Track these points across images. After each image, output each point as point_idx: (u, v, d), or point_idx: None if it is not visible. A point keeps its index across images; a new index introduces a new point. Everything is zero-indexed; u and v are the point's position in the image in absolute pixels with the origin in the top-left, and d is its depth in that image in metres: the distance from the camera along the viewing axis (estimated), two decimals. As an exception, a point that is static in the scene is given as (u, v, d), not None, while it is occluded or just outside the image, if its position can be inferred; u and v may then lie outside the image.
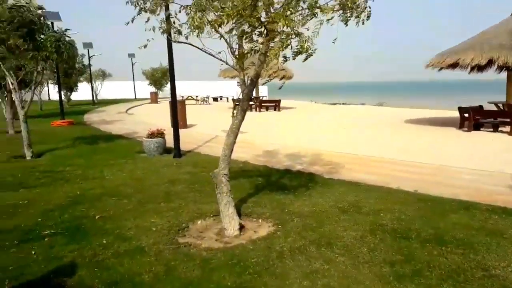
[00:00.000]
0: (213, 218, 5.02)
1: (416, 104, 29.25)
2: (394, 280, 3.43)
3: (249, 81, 4.54)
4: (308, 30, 3.83)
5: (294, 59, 3.98)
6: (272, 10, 3.88)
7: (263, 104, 24.23)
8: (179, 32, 4.23)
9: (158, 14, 4.27)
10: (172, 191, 6.29)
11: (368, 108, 26.72)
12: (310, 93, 60.79)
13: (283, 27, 3.76)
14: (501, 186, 6.28)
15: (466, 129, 13.19)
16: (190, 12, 4.02)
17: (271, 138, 12.26)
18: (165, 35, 4.33)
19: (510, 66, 12.87)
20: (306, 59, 3.91)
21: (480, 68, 14.72)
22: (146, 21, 4.20)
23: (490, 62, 13.18)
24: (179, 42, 4.33)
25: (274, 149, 9.89)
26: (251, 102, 21.86)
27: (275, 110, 23.91)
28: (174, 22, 4.24)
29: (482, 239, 4.17)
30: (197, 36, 4.03)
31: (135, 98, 42.64)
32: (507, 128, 12.36)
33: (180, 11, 4.22)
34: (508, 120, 12.42)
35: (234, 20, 3.85)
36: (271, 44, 4.02)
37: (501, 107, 13.95)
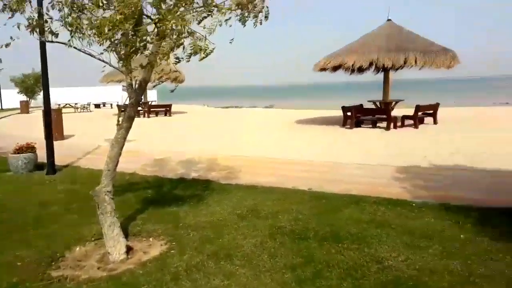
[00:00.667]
0: (95, 242, 4.44)
1: (303, 105, 31.22)
2: (296, 285, 3.38)
3: (137, 85, 4.13)
4: (204, 29, 3.59)
5: (188, 61, 3.71)
6: (163, 6, 3.56)
7: (152, 109, 23.27)
8: (52, 33, 3.71)
9: (22, 12, 3.70)
10: (43, 215, 5.45)
11: (259, 111, 27.58)
12: (203, 97, 60.74)
13: (174, 26, 3.47)
14: (385, 179, 6.86)
15: (349, 126, 14.38)
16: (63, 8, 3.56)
17: (162, 145, 11.71)
18: (35, 34, 3.76)
19: (387, 67, 14.43)
20: (202, 58, 3.66)
21: (360, 69, 16.21)
22: (10, 17, 3.61)
23: (370, 64, 14.61)
24: (51, 41, 3.78)
25: (165, 157, 9.42)
26: (139, 108, 20.79)
27: (165, 115, 23.16)
28: (46, 21, 3.71)
29: (373, 232, 4.42)
30: (71, 36, 3.57)
31: (1, 108, 37.43)
32: (384, 124, 13.81)
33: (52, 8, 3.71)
34: (384, 116, 13.89)
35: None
36: (162, 44, 3.68)
37: (379, 105, 15.54)
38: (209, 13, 3.63)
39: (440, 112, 15.12)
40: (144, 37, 3.61)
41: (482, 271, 3.41)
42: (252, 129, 15.50)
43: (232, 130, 15.37)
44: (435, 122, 14.60)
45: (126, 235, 4.38)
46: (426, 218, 4.75)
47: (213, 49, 3.61)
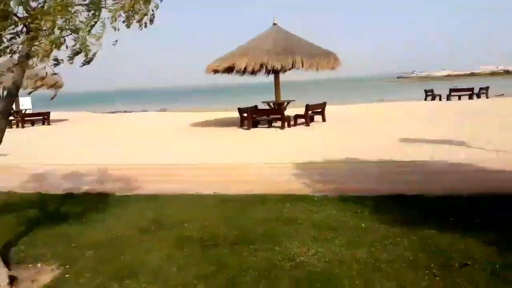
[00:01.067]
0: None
1: (198, 108, 31.05)
2: (211, 296, 3.24)
3: (5, 93, 3.55)
4: (85, 25, 3.21)
5: (71, 62, 3.29)
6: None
7: (27, 118, 20.78)
8: None
9: None
10: None
11: (151, 115, 26.60)
12: (86, 102, 56.51)
13: (48, 24, 3.04)
14: (286, 175, 7.09)
15: (246, 127, 14.67)
16: None
17: (42, 157, 10.46)
18: None
19: (276, 69, 15.02)
20: (85, 63, 3.29)
21: (252, 72, 16.63)
22: None
23: (261, 66, 15.05)
24: None
25: (47, 171, 8.41)
26: (11, 118, 18.34)
27: (43, 124, 20.89)
28: None
29: (282, 229, 4.49)
30: None
31: None
32: (279, 124, 14.40)
33: None
34: (279, 116, 14.48)
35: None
36: (35, 43, 3.19)
37: (272, 106, 16.14)
38: (94, 15, 3.29)
39: (327, 110, 16.30)
40: (9, 36, 3.14)
41: (385, 257, 3.68)
42: (145, 135, 14.80)
43: (122, 137, 14.49)
44: (323, 119, 15.69)
45: (7, 264, 3.75)
46: (328, 211, 5.00)
47: (95, 52, 3.29)
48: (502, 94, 26.99)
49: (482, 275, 3.25)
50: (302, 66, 14.76)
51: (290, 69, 15.68)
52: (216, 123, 17.58)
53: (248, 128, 14.48)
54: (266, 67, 15.48)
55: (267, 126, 14.97)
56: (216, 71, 15.67)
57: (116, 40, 3.56)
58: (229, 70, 15.73)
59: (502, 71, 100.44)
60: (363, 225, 4.47)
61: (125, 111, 31.55)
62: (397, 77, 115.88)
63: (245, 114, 15.07)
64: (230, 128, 15.31)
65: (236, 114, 16.12)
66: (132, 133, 15.56)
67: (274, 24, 16.52)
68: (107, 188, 6.82)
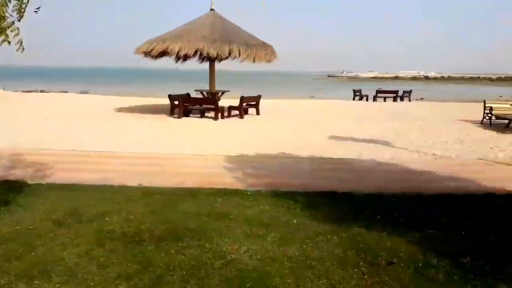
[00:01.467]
0: None
1: (125, 92, 29.62)
2: (134, 297, 3.04)
3: None
4: None
5: None
6: None
7: None
8: None
9: None
10: None
11: (71, 96, 24.87)
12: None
13: None
14: (218, 168, 6.97)
15: (177, 116, 14.26)
16: None
17: None
18: None
19: (212, 57, 14.73)
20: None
21: (186, 57, 16.18)
22: None
23: (195, 53, 14.67)
24: None
25: None
26: None
27: None
28: None
29: (213, 225, 4.37)
30: None
31: None
32: (212, 114, 14.19)
33: None
34: (212, 106, 14.26)
35: None
36: None
37: (206, 95, 15.87)
38: None
39: (262, 103, 16.41)
40: None
41: (316, 254, 3.73)
42: (61, 118, 13.76)
43: (39, 119, 13.33)
44: (257, 112, 15.77)
45: None
46: (261, 206, 4.98)
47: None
48: (422, 98, 29.29)
49: (407, 273, 3.42)
50: (239, 55, 14.65)
51: (226, 58, 15.48)
52: (144, 109, 16.89)
53: (179, 117, 14.09)
54: (201, 54, 15.15)
55: (199, 116, 14.68)
56: (146, 54, 15.00)
57: (39, 7, 3.23)
58: (161, 54, 15.14)
59: (422, 76, 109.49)
60: (295, 221, 4.51)
61: (42, 91, 29.15)
62: (328, 76, 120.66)
63: (176, 102, 14.63)
64: (159, 115, 14.78)
65: (166, 101, 15.60)
66: (47, 115, 14.37)
67: (212, 9, 16.20)
68: (17, 175, 6.19)
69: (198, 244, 3.93)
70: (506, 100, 16.79)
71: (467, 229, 4.31)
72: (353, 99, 25.76)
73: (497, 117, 13.15)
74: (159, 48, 14.45)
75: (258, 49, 15.11)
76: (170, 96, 15.06)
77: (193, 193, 5.46)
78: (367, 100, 25.24)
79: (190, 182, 5.98)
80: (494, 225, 4.48)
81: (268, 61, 15.49)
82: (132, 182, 5.98)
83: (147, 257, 3.65)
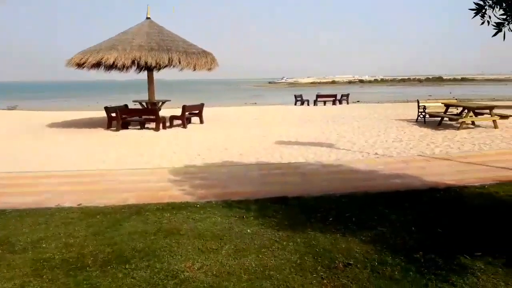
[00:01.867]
0: None
1: (58, 106, 28.06)
2: (80, 331, 2.76)
3: None
4: None
5: None
6: None
7: None
8: None
9: None
10: None
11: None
12: None
13: None
14: (163, 182, 6.69)
15: (115, 128, 13.66)
16: None
17: None
18: None
19: (150, 66, 14.32)
20: None
21: (123, 68, 15.60)
22: None
23: (133, 62, 14.19)
24: None
25: None
26: None
27: None
28: None
29: (162, 243, 4.14)
30: None
31: None
32: (153, 125, 13.75)
33: None
34: (153, 117, 13.82)
35: None
36: None
37: (145, 105, 15.36)
38: None
39: (205, 111, 16.20)
40: None
41: (273, 263, 3.64)
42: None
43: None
44: (201, 121, 15.53)
45: None
46: (212, 218, 4.81)
47: None
48: (359, 101, 30.67)
49: (364, 274, 3.43)
50: (179, 64, 14.39)
51: (165, 66, 15.13)
52: (79, 123, 16.02)
53: (117, 130, 13.51)
54: (138, 63, 14.69)
55: (139, 127, 14.17)
56: (80, 66, 14.26)
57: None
58: (96, 65, 14.48)
59: (357, 80, 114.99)
60: (249, 230, 4.40)
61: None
62: (269, 82, 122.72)
63: (113, 114, 14.02)
64: (95, 129, 14.09)
65: (103, 114, 14.91)
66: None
67: (148, 18, 15.81)
68: None
69: (147, 265, 3.69)
70: (435, 99, 17.98)
71: (416, 224, 4.44)
72: (295, 104, 26.29)
73: (431, 115, 13.99)
74: (93, 59, 13.82)
75: (198, 57, 14.97)
76: (106, 109, 14.43)
77: (138, 211, 5.17)
78: (308, 104, 25.88)
79: (134, 199, 5.67)
80: (440, 218, 4.66)
81: (209, 69, 15.37)
82: (70, 202, 5.56)
83: (92, 284, 3.36)
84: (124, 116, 13.98)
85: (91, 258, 3.84)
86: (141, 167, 7.97)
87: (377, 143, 10.27)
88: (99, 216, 5.01)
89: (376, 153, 8.93)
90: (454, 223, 4.50)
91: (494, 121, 12.44)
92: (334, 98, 26.17)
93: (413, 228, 4.35)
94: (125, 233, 4.45)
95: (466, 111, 12.85)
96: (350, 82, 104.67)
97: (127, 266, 3.66)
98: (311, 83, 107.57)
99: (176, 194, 5.94)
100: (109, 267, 3.66)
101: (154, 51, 13.98)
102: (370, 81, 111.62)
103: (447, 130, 12.18)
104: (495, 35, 3.60)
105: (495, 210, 4.87)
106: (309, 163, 8.03)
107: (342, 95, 26.66)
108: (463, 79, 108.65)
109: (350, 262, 3.62)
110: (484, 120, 12.91)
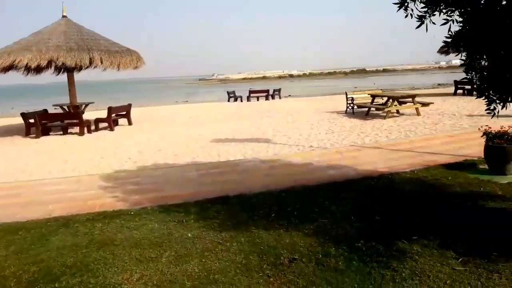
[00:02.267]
0: None
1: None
2: None
3: None
4: None
5: None
6: None
7: None
8: None
9: None
10: None
11: None
12: None
13: None
14: (93, 190, 6.29)
15: (34, 135, 12.67)
16: None
17: None
18: None
19: (69, 67, 13.43)
20: None
21: (38, 70, 14.52)
22: None
23: (49, 64, 13.22)
24: None
25: None
26: None
27: None
28: None
29: (96, 256, 3.86)
30: None
31: None
32: (77, 129, 12.93)
33: None
34: (76, 121, 13.00)
35: None
36: None
37: (67, 109, 14.42)
38: None
39: (133, 112, 15.58)
40: None
41: (217, 266, 3.54)
42: None
43: None
44: (129, 123, 14.91)
45: None
46: (149, 225, 4.59)
47: None
48: (290, 95, 31.39)
49: (310, 267, 3.45)
50: (101, 64, 13.67)
51: (87, 67, 14.30)
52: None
53: (37, 137, 12.54)
54: (56, 65, 13.74)
55: (61, 133, 13.26)
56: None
57: None
58: (7, 68, 13.28)
59: (287, 75, 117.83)
60: (189, 235, 4.25)
61: None
62: (199, 79, 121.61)
63: (31, 120, 12.99)
64: (11, 137, 12.97)
65: (20, 121, 13.76)
66: None
67: (64, 16, 14.82)
68: None
69: (80, 280, 3.41)
70: (362, 91, 18.90)
71: (355, 214, 4.58)
72: (228, 100, 26.23)
73: (359, 106, 14.66)
74: (4, 62, 12.65)
75: (122, 55, 14.34)
76: (23, 114, 13.34)
77: (66, 223, 4.79)
78: (241, 100, 25.94)
79: (60, 210, 5.26)
80: (377, 205, 4.85)
81: (135, 67, 14.79)
82: (-15, 220, 5.01)
83: (16, 311, 3.03)
84: (43, 121, 13.00)
85: (14, 280, 3.48)
86: (67, 175, 7.44)
87: (311, 136, 10.53)
88: (21, 232, 4.58)
89: (311, 146, 9.15)
90: (390, 209, 4.71)
91: (416, 109, 13.33)
92: (266, 93, 26.48)
93: (352, 217, 4.48)
94: (53, 248, 4.10)
95: (391, 100, 13.62)
96: (280, 77, 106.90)
97: (56, 285, 3.37)
98: (243, 78, 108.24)
99: (108, 202, 5.61)
100: (36, 287, 3.33)
101: (73, 51, 13.14)
102: (299, 76, 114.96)
103: (374, 120, 12.82)
104: (418, 27, 3.77)
105: (425, 195, 5.17)
106: (247, 160, 8.01)
107: (274, 90, 27.06)
108: (385, 70, 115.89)
109: (295, 257, 3.62)
110: (408, 108, 13.78)
